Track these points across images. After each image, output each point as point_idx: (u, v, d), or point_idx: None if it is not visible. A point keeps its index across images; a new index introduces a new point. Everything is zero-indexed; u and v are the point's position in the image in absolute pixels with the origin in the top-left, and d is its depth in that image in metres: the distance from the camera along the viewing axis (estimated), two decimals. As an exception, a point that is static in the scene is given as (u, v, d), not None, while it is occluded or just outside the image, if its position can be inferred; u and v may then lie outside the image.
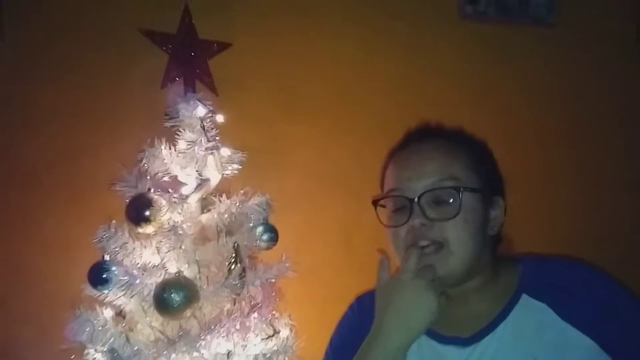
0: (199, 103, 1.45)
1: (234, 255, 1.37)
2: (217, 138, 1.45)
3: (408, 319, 0.85)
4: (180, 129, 1.42)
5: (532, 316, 0.89)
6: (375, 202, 0.99)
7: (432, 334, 0.94)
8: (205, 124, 1.43)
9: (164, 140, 1.42)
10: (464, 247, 0.91)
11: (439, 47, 2.13)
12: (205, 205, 1.46)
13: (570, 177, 2.14)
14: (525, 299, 0.92)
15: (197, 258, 1.40)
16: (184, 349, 1.29)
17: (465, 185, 0.93)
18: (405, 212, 0.94)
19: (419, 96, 2.08)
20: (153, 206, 1.34)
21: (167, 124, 1.44)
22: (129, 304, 1.39)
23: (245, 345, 1.38)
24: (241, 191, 1.45)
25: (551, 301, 0.90)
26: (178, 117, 1.43)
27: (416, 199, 0.92)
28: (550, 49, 2.17)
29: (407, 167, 0.97)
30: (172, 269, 1.35)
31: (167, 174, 1.42)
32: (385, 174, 1.02)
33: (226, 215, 1.41)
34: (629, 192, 2.17)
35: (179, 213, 1.38)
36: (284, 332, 1.45)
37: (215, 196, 1.45)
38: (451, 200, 0.92)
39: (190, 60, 1.49)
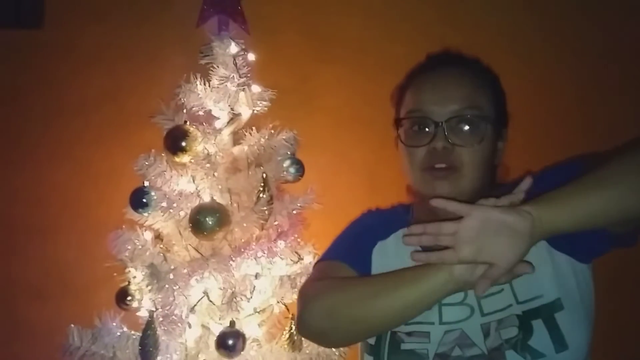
0: (232, 41, 1.53)
1: (262, 184, 1.47)
2: (248, 75, 1.54)
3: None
4: (214, 66, 1.51)
5: None
6: (398, 121, 1.02)
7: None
8: (237, 61, 1.52)
9: (199, 76, 1.51)
10: (476, 172, 0.95)
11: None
12: (236, 138, 1.57)
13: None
14: None
15: (228, 186, 1.51)
16: (216, 267, 1.42)
17: (487, 115, 0.97)
18: (427, 133, 0.96)
19: (444, 41, 2.09)
20: (189, 137, 1.45)
21: (202, 61, 1.53)
22: (167, 227, 1.52)
23: (271, 268, 1.50)
24: (270, 126, 1.53)
25: None
26: (212, 55, 1.52)
27: (442, 123, 0.94)
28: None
29: (433, 90, 0.98)
30: (206, 196, 1.46)
31: (202, 108, 1.52)
32: (406, 93, 1.03)
33: (256, 148, 1.51)
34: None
35: (213, 144, 1.48)
36: (308, 258, 1.56)
37: (246, 130, 1.54)
38: (474, 129, 0.95)
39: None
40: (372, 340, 0.96)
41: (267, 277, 1.49)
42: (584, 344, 0.89)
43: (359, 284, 0.95)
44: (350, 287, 0.94)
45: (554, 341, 0.86)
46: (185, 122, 1.48)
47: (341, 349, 1.51)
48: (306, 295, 0.98)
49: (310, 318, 0.94)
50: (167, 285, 1.42)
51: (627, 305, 1.98)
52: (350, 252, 1.04)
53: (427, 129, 0.97)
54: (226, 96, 1.51)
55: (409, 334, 0.93)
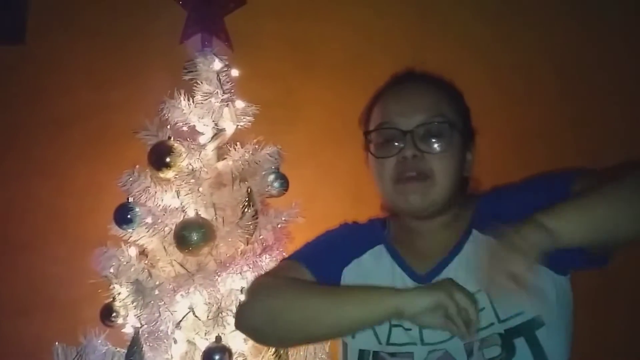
0: (215, 57, 1.55)
1: (247, 199, 1.49)
2: (232, 91, 1.56)
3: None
4: (198, 82, 1.52)
5: (481, 251, 0.91)
6: (367, 134, 1.02)
7: (401, 264, 0.99)
8: (221, 77, 1.53)
9: (183, 92, 1.52)
10: (447, 180, 0.95)
11: (449, 10, 2.17)
12: (221, 153, 1.58)
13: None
14: (474, 234, 0.97)
15: (213, 201, 1.52)
16: (201, 282, 1.42)
17: (453, 122, 0.99)
18: (395, 144, 0.97)
19: (427, 58, 2.12)
20: (173, 153, 1.46)
21: (186, 77, 1.54)
22: (151, 243, 1.52)
23: (257, 283, 1.50)
24: (254, 141, 1.55)
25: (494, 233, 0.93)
26: (196, 71, 1.54)
27: (410, 132, 0.95)
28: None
29: (399, 102, 1.00)
30: (191, 211, 1.47)
31: (186, 123, 1.54)
32: (373, 111, 1.04)
33: (240, 163, 1.52)
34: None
35: (197, 159, 1.49)
36: (293, 272, 1.56)
37: (230, 145, 1.55)
38: (441, 136, 0.96)
39: (208, 16, 1.57)
40: None
41: (253, 292, 1.49)
42: (565, 358, 0.90)
43: (307, 293, 0.94)
44: (298, 294, 0.93)
45: (536, 359, 0.87)
46: (170, 137, 1.49)
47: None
48: (253, 290, 1.00)
49: (251, 314, 0.96)
50: (152, 301, 1.41)
51: (606, 316, 2.00)
52: (319, 260, 1.02)
53: (395, 142, 0.98)
54: (210, 112, 1.52)
55: (392, 354, 0.93)
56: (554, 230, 0.79)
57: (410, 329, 0.93)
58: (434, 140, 0.97)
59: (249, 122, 1.59)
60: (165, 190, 1.50)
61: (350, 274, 1.02)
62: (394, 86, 1.06)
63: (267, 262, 1.52)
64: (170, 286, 1.44)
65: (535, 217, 0.80)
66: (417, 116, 0.97)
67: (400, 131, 0.97)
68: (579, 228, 0.81)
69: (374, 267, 1.01)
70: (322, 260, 1.02)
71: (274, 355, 1.45)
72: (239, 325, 1.00)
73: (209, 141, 1.55)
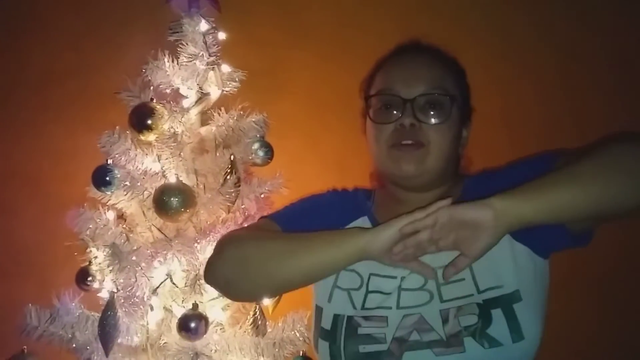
0: (202, 19, 1.49)
1: (230, 166, 1.45)
2: (218, 54, 1.51)
3: None
4: (183, 43, 1.47)
5: None
6: (368, 97, 1.03)
7: None
8: (207, 39, 1.48)
9: (167, 53, 1.47)
10: (441, 151, 0.98)
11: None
12: (204, 118, 1.53)
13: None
14: None
15: (195, 167, 1.49)
16: (180, 249, 1.39)
17: (454, 96, 1.00)
18: (395, 111, 0.98)
19: (420, 26, 2.09)
20: (155, 115, 1.41)
21: (171, 38, 1.49)
22: (130, 207, 1.49)
23: (237, 251, 1.47)
24: (239, 107, 1.51)
25: None
26: (181, 32, 1.48)
27: (410, 101, 0.97)
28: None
29: (403, 71, 1.01)
30: (171, 176, 1.43)
31: (169, 86, 1.49)
32: (375, 77, 1.06)
33: (224, 129, 1.48)
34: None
35: (180, 123, 1.45)
36: (274, 243, 1.55)
37: (214, 110, 1.51)
38: (442, 108, 0.98)
39: (195, -25, 1.52)
40: (327, 325, 0.96)
41: (233, 261, 1.47)
42: (538, 336, 0.91)
43: (276, 240, 0.97)
44: (267, 241, 0.97)
45: (511, 331, 0.87)
46: (152, 99, 1.44)
47: (305, 334, 1.51)
48: (222, 242, 1.01)
49: (220, 265, 0.97)
50: (129, 266, 1.38)
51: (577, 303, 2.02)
52: (294, 221, 1.03)
53: (395, 109, 0.99)
54: (194, 75, 1.48)
55: (366, 318, 0.93)
56: (504, 210, 0.81)
57: (390, 293, 0.94)
58: (432, 111, 0.98)
59: (235, 88, 1.55)
60: (146, 154, 1.46)
61: None
62: (398, 55, 1.07)
63: (248, 231, 1.50)
64: (148, 251, 1.41)
65: (487, 199, 0.82)
66: (418, 86, 0.98)
67: (401, 99, 0.98)
68: (533, 207, 0.82)
69: None
70: (298, 222, 1.02)
71: (252, 324, 1.44)
72: (209, 278, 1.01)
73: (193, 105, 1.50)
